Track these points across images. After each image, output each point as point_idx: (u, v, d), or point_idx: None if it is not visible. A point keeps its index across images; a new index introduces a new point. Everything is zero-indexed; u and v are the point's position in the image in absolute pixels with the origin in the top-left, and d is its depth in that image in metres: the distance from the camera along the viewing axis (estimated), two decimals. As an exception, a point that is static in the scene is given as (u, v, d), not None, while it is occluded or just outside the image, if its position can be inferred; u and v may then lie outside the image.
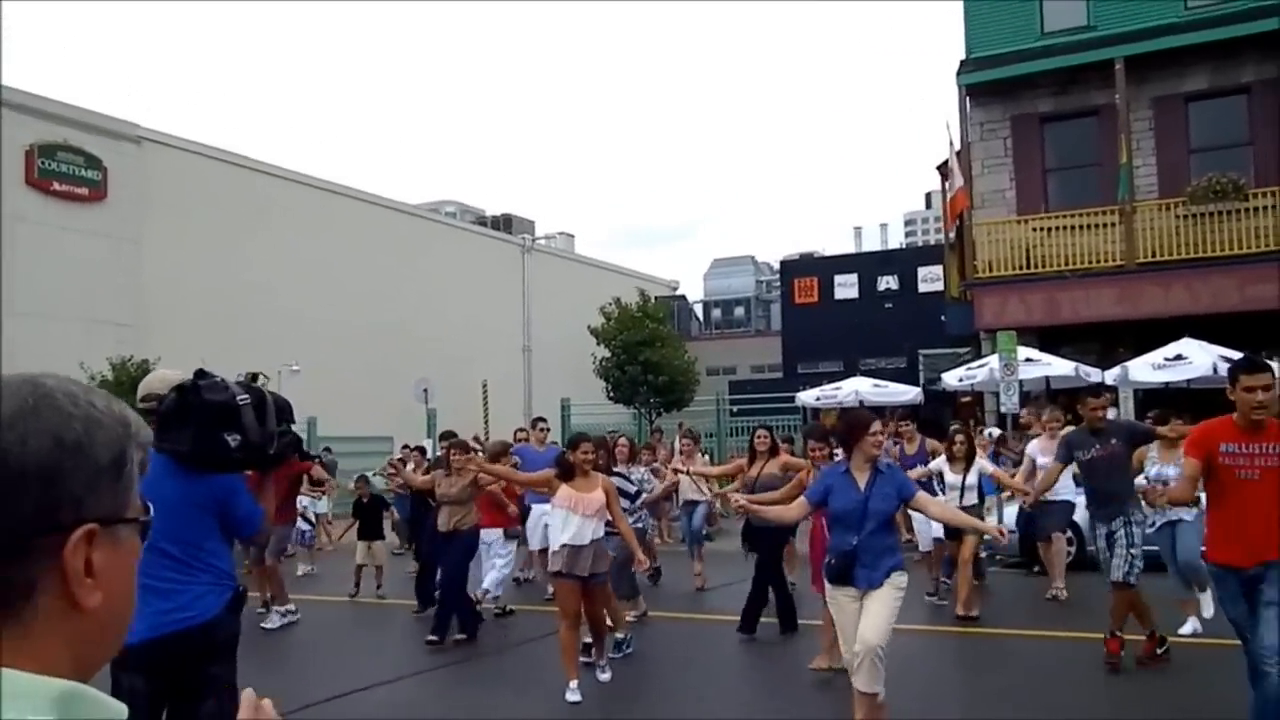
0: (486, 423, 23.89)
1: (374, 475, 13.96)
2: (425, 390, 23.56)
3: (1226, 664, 6.19)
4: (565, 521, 6.83)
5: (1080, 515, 10.41)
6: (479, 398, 24.67)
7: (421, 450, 14.11)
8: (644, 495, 9.69)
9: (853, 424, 5.61)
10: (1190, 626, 7.87)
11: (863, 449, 5.42)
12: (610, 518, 6.95)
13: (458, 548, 8.85)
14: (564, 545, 6.77)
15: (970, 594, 9.04)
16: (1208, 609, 7.80)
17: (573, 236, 57.18)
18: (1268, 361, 5.20)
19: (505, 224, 53.52)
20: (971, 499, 9.40)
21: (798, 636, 8.31)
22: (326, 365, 31.75)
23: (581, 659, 7.08)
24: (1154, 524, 7.87)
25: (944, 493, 9.55)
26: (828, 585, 5.53)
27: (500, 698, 7.01)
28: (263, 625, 9.58)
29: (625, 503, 8.46)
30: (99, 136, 29.17)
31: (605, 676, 7.08)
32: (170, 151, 31.30)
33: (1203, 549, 6.02)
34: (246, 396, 3.84)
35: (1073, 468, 8.22)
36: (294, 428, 4.22)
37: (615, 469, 8.65)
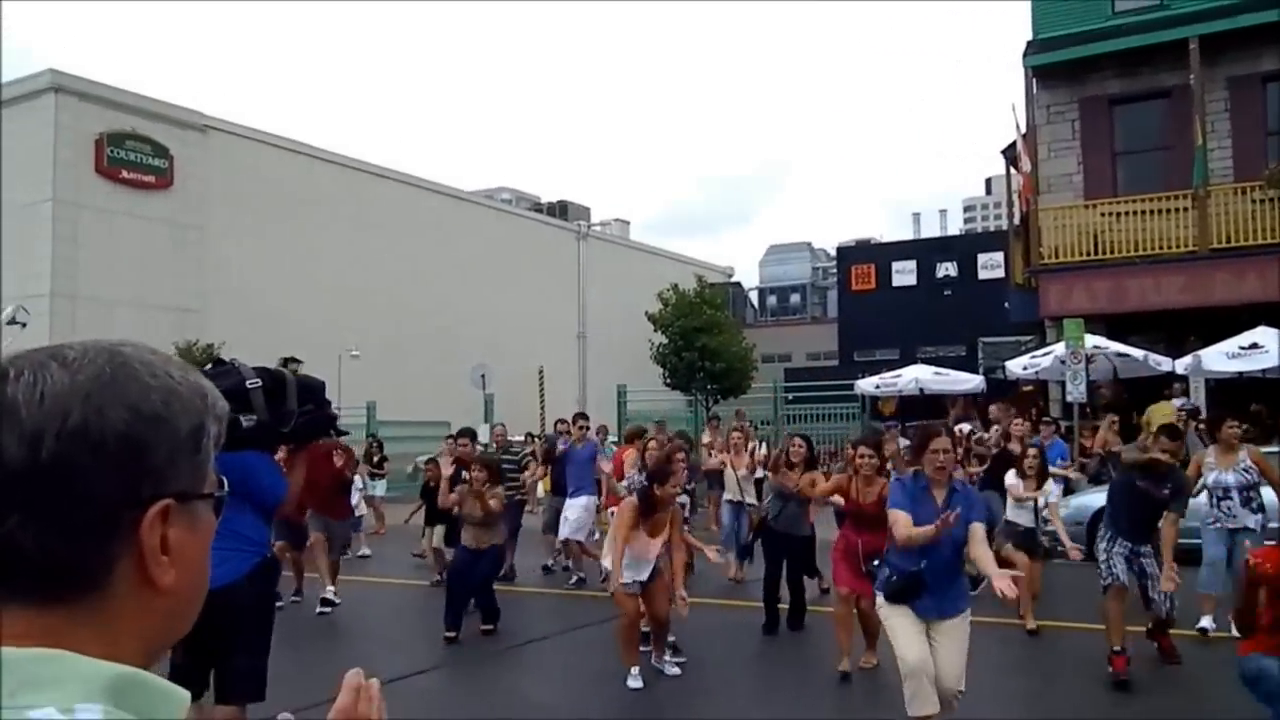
0: (543, 409, 23.99)
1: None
2: (482, 376, 23.71)
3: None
4: (632, 564, 6.84)
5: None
6: (535, 384, 24.77)
7: (472, 435, 13.89)
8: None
9: (921, 438, 5.18)
10: (1207, 622, 7.63)
11: (925, 466, 4.98)
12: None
13: (485, 564, 8.71)
14: (634, 579, 6.82)
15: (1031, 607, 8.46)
16: (1209, 621, 7.65)
17: (628, 223, 57.18)
18: None
19: (561, 210, 53.67)
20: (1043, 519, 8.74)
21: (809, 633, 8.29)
22: (386, 351, 32.15)
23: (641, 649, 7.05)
24: (1208, 524, 7.64)
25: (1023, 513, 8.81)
26: (883, 602, 5.04)
27: (540, 687, 7.02)
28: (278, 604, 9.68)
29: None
30: (166, 125, 29.76)
31: (674, 671, 7.02)
32: (234, 140, 31.85)
33: None
34: (258, 380, 4.22)
35: None
36: (333, 408, 4.64)
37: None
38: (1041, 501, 8.64)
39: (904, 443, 10.97)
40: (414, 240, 36.47)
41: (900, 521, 4.92)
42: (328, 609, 9.45)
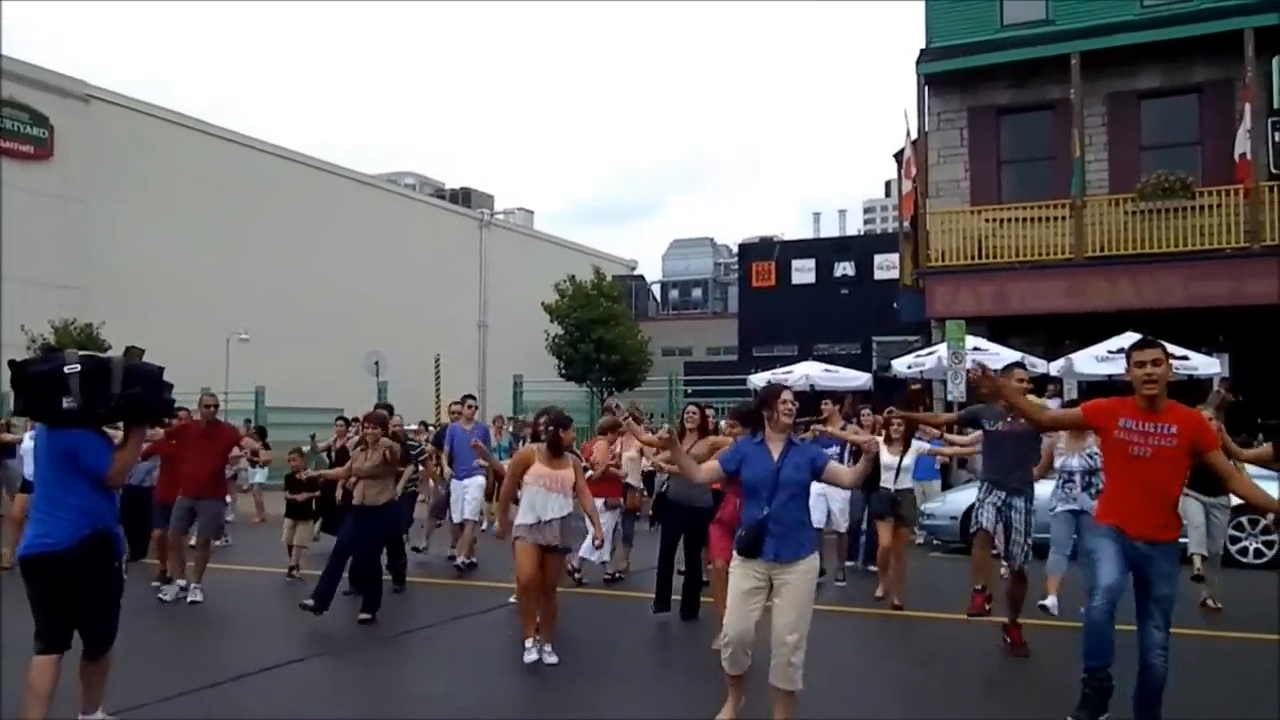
0: (439, 397, 23.75)
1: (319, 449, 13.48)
2: (377, 363, 23.35)
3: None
4: (535, 497, 7.00)
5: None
6: (432, 371, 24.50)
7: (346, 422, 13.60)
8: (590, 473, 9.63)
9: (766, 395, 5.58)
10: (1050, 601, 7.82)
11: (776, 418, 5.41)
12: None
13: (372, 522, 8.69)
14: (535, 520, 6.96)
15: (900, 583, 9.13)
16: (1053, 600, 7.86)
17: (532, 212, 56.91)
18: (1157, 340, 5.21)
19: (464, 198, 53.06)
20: (906, 481, 9.50)
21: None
22: (277, 335, 31.39)
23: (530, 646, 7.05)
24: (1053, 510, 8.07)
25: (885, 475, 9.51)
26: (735, 558, 5.40)
27: (415, 676, 7.00)
28: (160, 596, 9.41)
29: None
30: (45, 93, 28.48)
31: (551, 660, 7.01)
32: (120, 111, 30.68)
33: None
34: (78, 366, 4.77)
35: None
36: (168, 394, 5.12)
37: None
38: (908, 460, 9.44)
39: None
40: (312, 223, 35.66)
41: (706, 465, 5.71)
42: (198, 599, 9.32)
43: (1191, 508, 8.56)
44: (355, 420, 13.08)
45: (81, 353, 4.96)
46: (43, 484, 4.90)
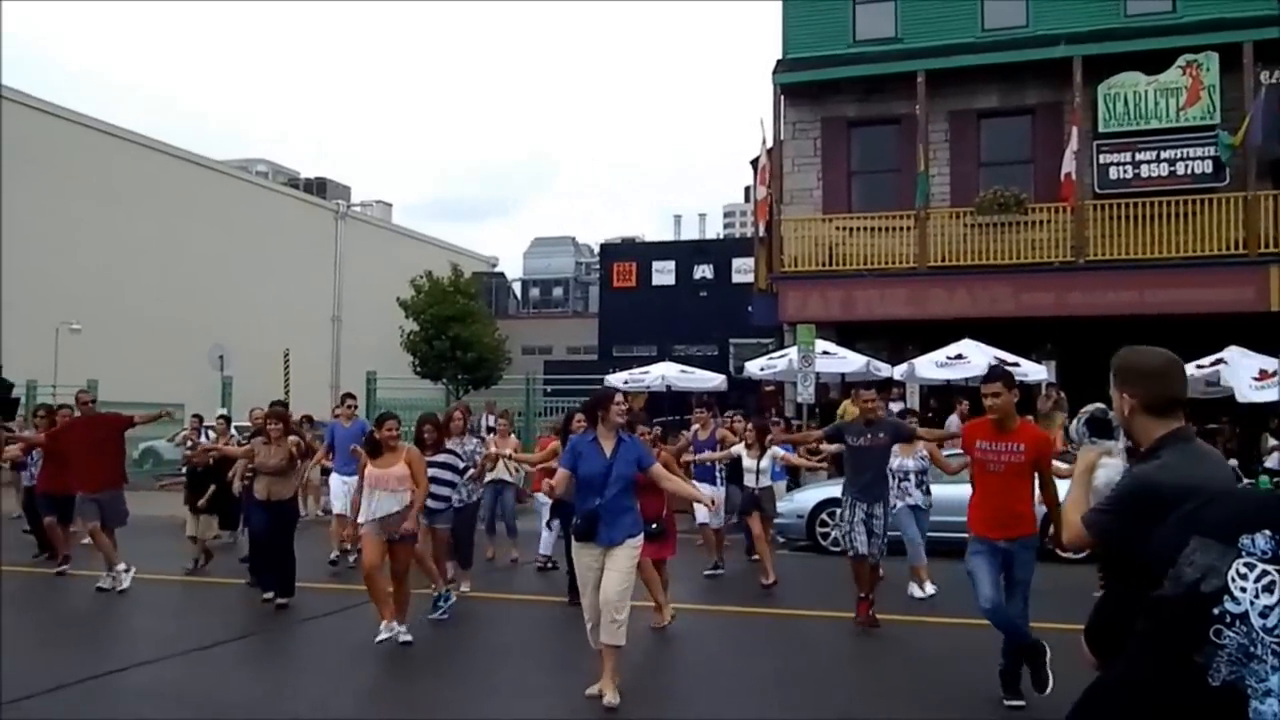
0: (287, 393, 22.91)
1: (174, 443, 13.24)
2: (221, 356, 22.43)
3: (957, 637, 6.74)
4: (370, 497, 7.30)
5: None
6: (280, 367, 23.68)
7: (227, 420, 13.42)
8: (471, 470, 9.69)
9: (599, 398, 6.26)
10: (929, 589, 9.22)
11: (608, 419, 6.02)
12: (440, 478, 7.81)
13: (281, 514, 9.12)
14: (372, 520, 7.28)
15: (771, 562, 10.08)
16: (931, 587, 9.24)
17: (390, 205, 55.63)
18: (1004, 370, 6.42)
19: (319, 188, 51.50)
20: (765, 480, 10.50)
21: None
22: (114, 325, 29.77)
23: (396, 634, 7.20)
24: (894, 509, 9.09)
25: (747, 477, 10.56)
26: (574, 543, 6.04)
27: (278, 674, 6.82)
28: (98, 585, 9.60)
29: (454, 476, 9.02)
30: None
31: (407, 638, 7.28)
32: (-62, 82, 28.47)
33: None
34: None
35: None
36: (13, 390, 5.59)
37: (447, 445, 9.04)
38: (765, 463, 10.44)
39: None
40: (152, 208, 33.91)
41: (558, 477, 6.14)
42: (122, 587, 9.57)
43: None
44: (219, 418, 12.98)
45: None
46: None
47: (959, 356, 16.25)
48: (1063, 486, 4.24)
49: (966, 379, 16.27)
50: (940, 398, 18.16)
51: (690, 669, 7.15)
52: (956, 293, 18.40)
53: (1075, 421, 3.41)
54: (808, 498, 13.09)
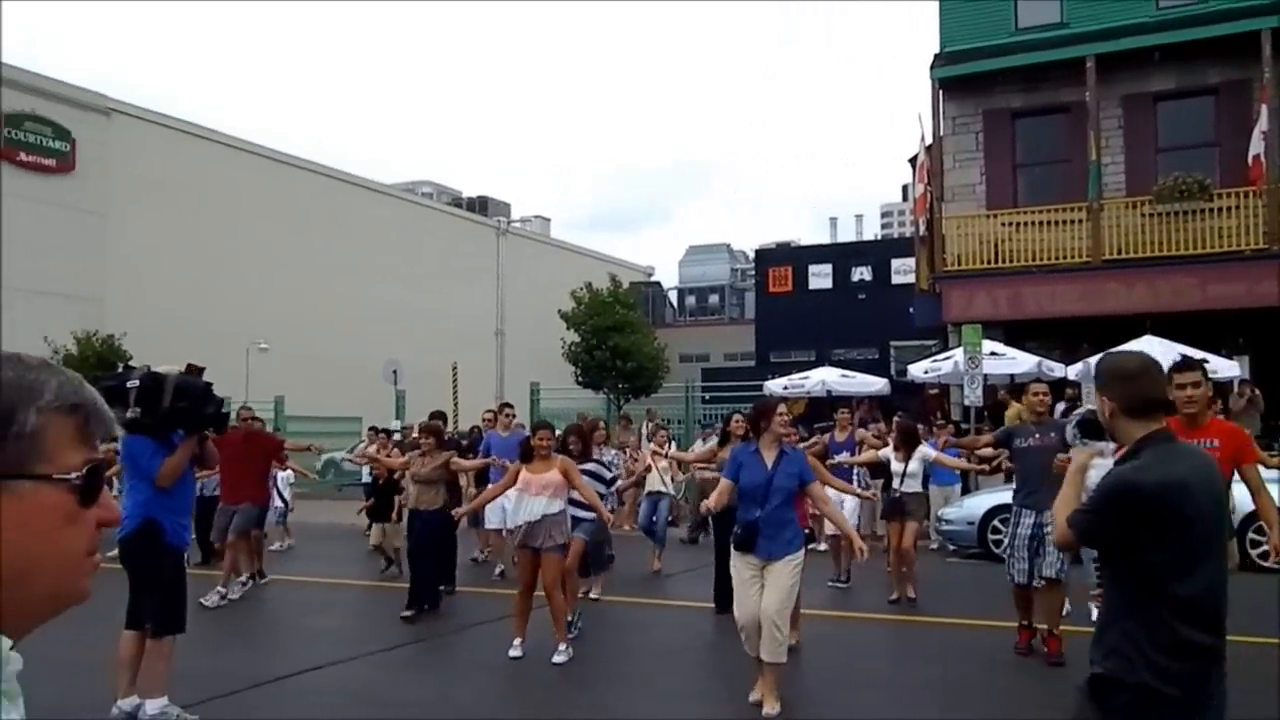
0: (456, 405, 23.82)
1: (342, 458, 13.99)
2: (395, 372, 23.46)
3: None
4: (519, 501, 7.40)
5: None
6: (449, 381, 24.61)
7: (387, 433, 14.10)
8: (619, 481, 9.83)
9: (762, 409, 6.16)
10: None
11: (770, 430, 5.96)
12: (576, 494, 7.57)
13: (428, 524, 9.29)
14: (521, 524, 7.34)
15: (911, 577, 9.47)
16: None
17: (549, 220, 57.09)
18: (1200, 361, 5.65)
19: (481, 206, 53.27)
20: (913, 485, 9.77)
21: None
22: (296, 344, 31.62)
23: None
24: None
25: (893, 480, 9.89)
26: (732, 552, 5.97)
27: (448, 677, 7.07)
28: (201, 600, 9.56)
29: (600, 487, 8.88)
30: (68, 107, 28.82)
31: (561, 659, 7.16)
32: (140, 124, 31.00)
33: None
34: (136, 382, 5.52)
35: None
36: (214, 407, 5.87)
37: (594, 458, 9.00)
38: (914, 466, 9.73)
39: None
40: (329, 232, 35.90)
41: (720, 488, 6.12)
42: (228, 597, 9.83)
43: None
44: (379, 431, 13.50)
45: (145, 370, 5.70)
46: (127, 480, 5.77)
47: (1140, 354, 15.35)
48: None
49: (1149, 377, 15.37)
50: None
51: (849, 677, 7.01)
52: (1135, 286, 17.41)
53: (1069, 424, 3.35)
54: (979, 503, 12.64)
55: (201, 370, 6.31)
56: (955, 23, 19.87)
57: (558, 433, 7.99)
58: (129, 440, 5.64)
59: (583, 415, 14.81)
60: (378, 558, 11.87)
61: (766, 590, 5.76)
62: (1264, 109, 16.51)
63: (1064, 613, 7.47)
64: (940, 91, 19.67)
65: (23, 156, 27.59)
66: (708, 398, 24.76)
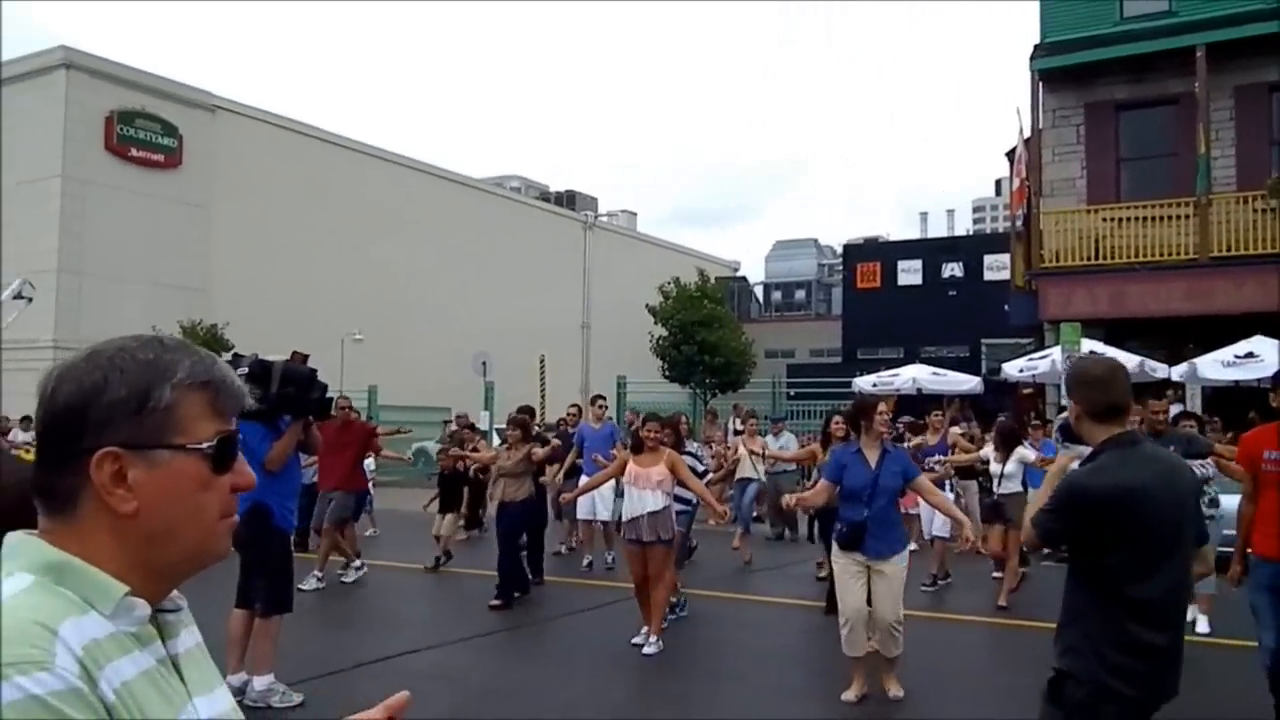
0: (544, 397, 24.11)
1: (434, 446, 14.23)
2: (484, 363, 23.83)
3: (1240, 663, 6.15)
4: (628, 495, 7.48)
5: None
6: (536, 373, 24.89)
7: (472, 427, 14.35)
8: (710, 475, 9.88)
9: (862, 407, 6.26)
10: (1204, 625, 7.90)
11: (871, 429, 5.98)
12: (680, 485, 7.65)
13: (515, 515, 9.44)
14: (630, 517, 7.43)
15: (1012, 584, 9.29)
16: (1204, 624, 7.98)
17: (635, 214, 57.26)
18: None
19: (569, 200, 53.70)
20: (1012, 486, 9.51)
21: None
22: (389, 335, 32.29)
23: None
24: None
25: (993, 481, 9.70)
26: (835, 550, 6.06)
27: (540, 665, 7.16)
28: (340, 579, 10.27)
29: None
30: (175, 104, 29.87)
31: (650, 650, 7.27)
32: (242, 120, 31.96)
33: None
34: (246, 369, 5.59)
35: None
36: (319, 393, 6.04)
37: (686, 450, 9.07)
38: (1011, 467, 9.49)
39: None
40: (420, 226, 36.57)
41: (818, 488, 6.32)
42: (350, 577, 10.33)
43: None
44: (464, 424, 13.71)
45: (254, 357, 5.90)
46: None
47: (1250, 355, 14.74)
48: None
49: (1259, 380, 14.76)
50: (1225, 401, 16.56)
51: (943, 680, 6.89)
52: (1245, 284, 16.71)
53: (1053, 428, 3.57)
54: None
55: (306, 358, 6.52)
56: (1058, 12, 19.31)
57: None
58: (240, 425, 5.93)
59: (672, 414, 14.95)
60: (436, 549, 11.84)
61: (882, 598, 5.83)
62: (1388, 99, 15.70)
63: None
64: (1040, 83, 19.15)
65: (133, 152, 28.68)
66: (793, 394, 24.57)
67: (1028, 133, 18.83)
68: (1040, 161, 19.04)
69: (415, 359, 32.21)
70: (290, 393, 5.83)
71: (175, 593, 1.21)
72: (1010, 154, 20.28)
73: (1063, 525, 3.00)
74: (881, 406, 6.16)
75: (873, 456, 5.97)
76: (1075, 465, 3.39)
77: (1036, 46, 19.30)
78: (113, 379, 1.12)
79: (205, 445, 1.15)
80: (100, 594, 1.07)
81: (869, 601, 5.91)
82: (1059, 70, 18.97)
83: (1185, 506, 3.06)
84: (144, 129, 29.07)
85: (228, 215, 30.37)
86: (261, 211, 31.18)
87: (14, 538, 1.10)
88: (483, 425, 21.02)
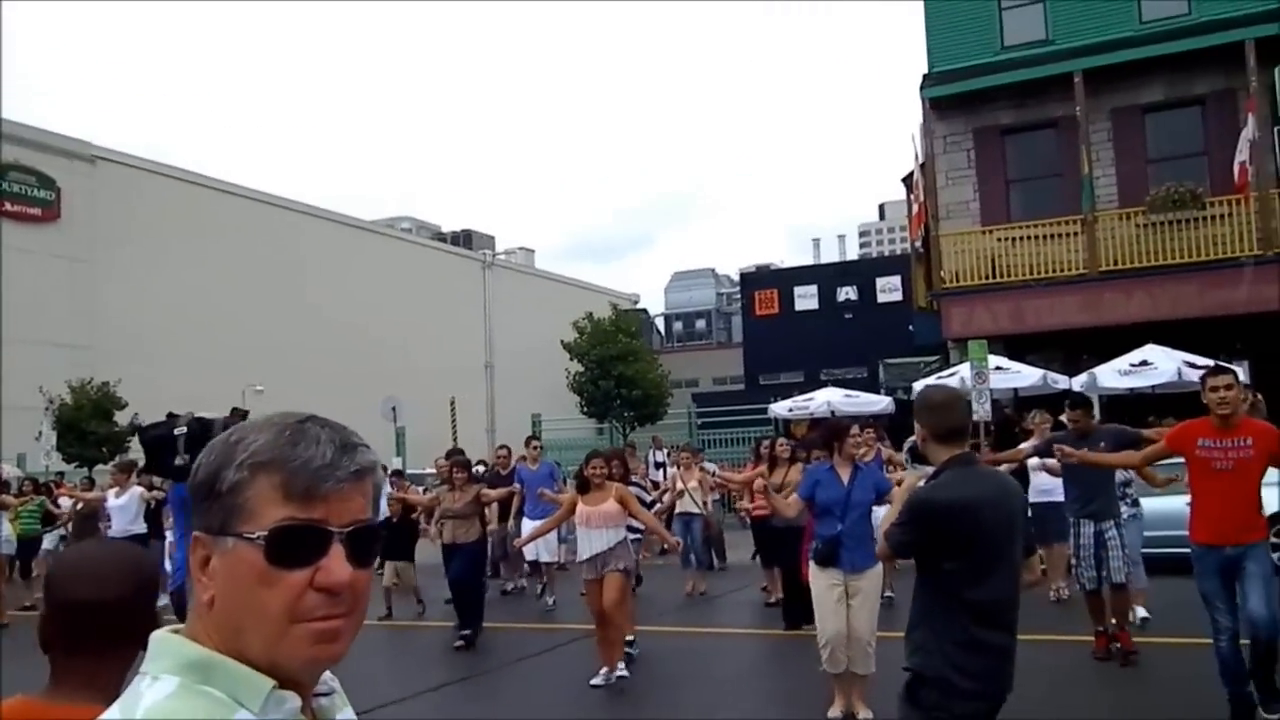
0: (455, 440, 23.70)
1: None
2: (394, 409, 23.35)
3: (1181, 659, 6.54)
4: (582, 537, 7.47)
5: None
6: (447, 415, 24.51)
7: (399, 474, 14.04)
8: (658, 505, 9.88)
9: (834, 430, 6.55)
10: (1140, 613, 8.44)
11: (845, 451, 6.27)
12: (632, 519, 7.66)
13: (467, 557, 9.40)
14: (586, 557, 7.43)
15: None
16: (1142, 612, 8.48)
17: (533, 251, 57.13)
18: (1229, 366, 5.93)
19: (465, 240, 53.27)
20: None
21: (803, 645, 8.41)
22: (291, 384, 31.38)
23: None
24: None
25: None
26: (813, 567, 6.16)
27: (504, 711, 7.01)
28: None
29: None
30: (53, 155, 28.69)
31: (599, 681, 7.26)
32: (124, 170, 30.90)
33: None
34: (184, 429, 5.69)
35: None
36: None
37: (632, 479, 9.26)
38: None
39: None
40: (317, 271, 35.80)
41: (790, 500, 6.55)
42: None
43: None
44: (394, 472, 13.34)
45: (191, 416, 5.87)
46: (178, 529, 6.27)
47: (1144, 363, 15.48)
48: None
49: (1154, 386, 15.50)
50: (1122, 409, 17.32)
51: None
52: (1134, 296, 17.59)
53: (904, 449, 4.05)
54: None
55: (245, 414, 6.37)
56: (942, 41, 20.13)
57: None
58: (180, 488, 5.76)
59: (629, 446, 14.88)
60: (396, 598, 11.56)
61: (858, 610, 5.95)
62: (1250, 117, 16.79)
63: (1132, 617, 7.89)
64: (931, 110, 19.89)
65: (8, 206, 27.42)
66: (702, 423, 24.73)
67: (922, 158, 19.51)
68: (935, 186, 19.74)
69: (320, 408, 30.74)
70: None
71: (328, 673, 1.14)
72: (907, 179, 20.98)
73: (910, 536, 3.29)
74: (854, 429, 6.51)
75: (845, 474, 6.22)
76: (921, 483, 3.73)
77: (925, 76, 20.05)
78: (204, 461, 1.08)
79: (257, 535, 1.01)
80: (248, 690, 1.01)
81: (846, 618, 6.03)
82: (947, 98, 19.74)
83: (1015, 519, 3.39)
84: (18, 182, 27.84)
85: (113, 268, 29.23)
86: (149, 263, 30.10)
87: (158, 636, 1.05)
88: (406, 467, 20.57)
